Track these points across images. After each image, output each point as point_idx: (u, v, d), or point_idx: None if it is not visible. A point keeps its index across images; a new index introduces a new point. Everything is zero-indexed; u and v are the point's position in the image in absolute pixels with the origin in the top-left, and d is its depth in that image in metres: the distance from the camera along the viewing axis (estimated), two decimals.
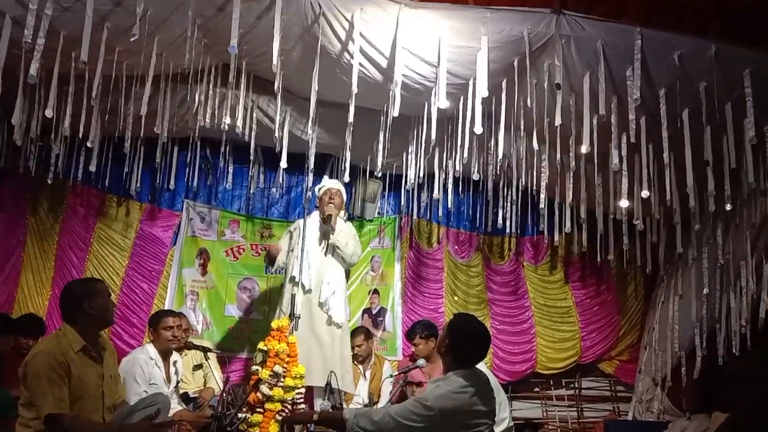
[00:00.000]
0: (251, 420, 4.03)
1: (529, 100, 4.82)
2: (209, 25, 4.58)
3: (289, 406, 4.11)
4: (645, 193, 4.84)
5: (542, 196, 5.31)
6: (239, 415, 3.94)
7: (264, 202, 6.98)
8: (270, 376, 4.08)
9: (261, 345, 4.32)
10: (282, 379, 4.11)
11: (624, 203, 4.83)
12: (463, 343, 2.97)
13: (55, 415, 2.95)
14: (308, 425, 3.76)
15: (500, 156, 5.27)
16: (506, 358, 7.01)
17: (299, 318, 4.56)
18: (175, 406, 4.39)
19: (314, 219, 5.15)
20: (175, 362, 4.61)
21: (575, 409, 7.14)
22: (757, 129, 4.50)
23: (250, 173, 6.75)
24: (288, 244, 5.14)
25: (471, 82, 4.71)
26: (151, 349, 4.47)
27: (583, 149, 4.68)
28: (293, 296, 4.66)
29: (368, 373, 5.60)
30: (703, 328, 6.02)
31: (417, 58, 4.78)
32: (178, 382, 4.63)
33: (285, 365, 4.14)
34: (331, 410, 3.71)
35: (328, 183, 5.31)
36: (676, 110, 4.70)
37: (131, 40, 3.97)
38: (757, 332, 5.42)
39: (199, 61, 4.92)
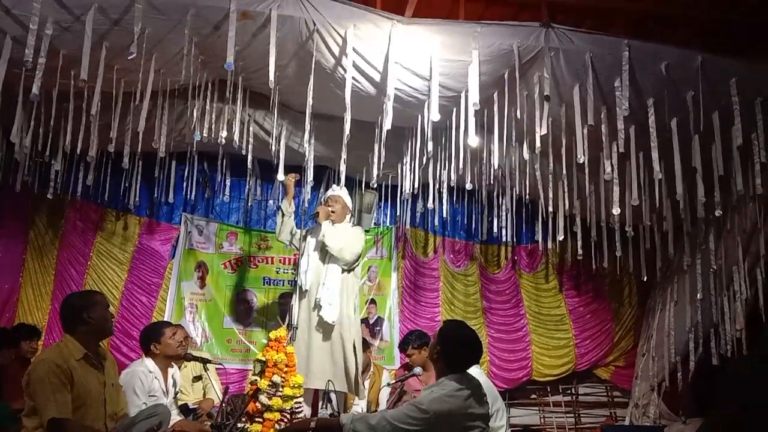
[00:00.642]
0: (250, 429, 4.07)
1: (519, 111, 4.90)
2: (206, 43, 4.66)
3: (288, 416, 4.16)
4: (635, 201, 4.91)
5: (538, 204, 5.40)
6: (238, 424, 3.99)
7: (261, 214, 7.05)
8: (269, 386, 4.13)
9: (259, 355, 4.38)
10: (280, 389, 4.16)
11: (616, 211, 4.90)
12: (454, 349, 3.04)
13: (58, 419, 3.00)
14: None
15: (495, 166, 5.36)
16: (502, 365, 7.09)
17: (297, 328, 4.62)
18: (175, 417, 4.43)
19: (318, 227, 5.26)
20: (172, 374, 4.66)
21: (572, 415, 7.19)
22: (744, 136, 4.60)
23: (248, 186, 6.83)
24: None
25: (463, 95, 4.79)
26: (149, 362, 4.49)
27: (580, 160, 4.75)
28: (291, 306, 4.73)
29: (367, 383, 5.65)
30: (698, 333, 6.09)
31: (409, 72, 4.86)
32: (176, 394, 4.68)
33: (283, 375, 4.19)
34: (328, 417, 3.77)
35: (330, 191, 5.43)
36: (665, 119, 4.79)
37: (129, 58, 4.05)
38: (752, 336, 5.49)
39: (196, 77, 4.99)
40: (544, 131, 4.56)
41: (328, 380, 4.41)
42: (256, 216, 7.04)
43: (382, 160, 5.40)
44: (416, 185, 6.04)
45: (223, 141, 5.32)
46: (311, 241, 5.13)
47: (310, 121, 4.69)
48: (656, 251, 6.36)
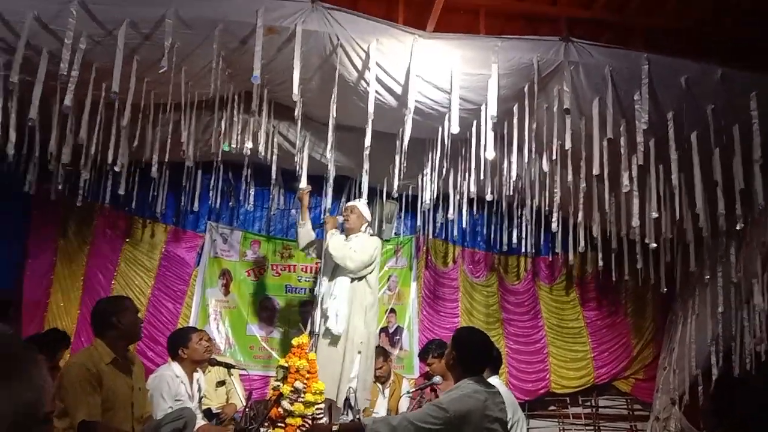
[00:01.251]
0: None
1: (538, 124, 4.95)
2: (233, 57, 4.80)
3: (310, 421, 4.23)
4: (654, 214, 4.93)
5: (555, 216, 5.43)
6: (261, 429, 4.07)
7: (284, 223, 7.14)
8: (291, 391, 4.21)
9: (282, 361, 4.47)
10: (302, 395, 4.24)
11: (635, 223, 4.92)
12: (468, 354, 3.15)
13: (88, 422, 3.11)
14: None
15: (513, 177, 5.41)
16: (520, 376, 7.09)
17: (317, 335, 4.72)
18: (199, 422, 4.53)
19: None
20: (197, 379, 4.76)
21: (592, 427, 7.15)
22: (764, 150, 4.60)
23: (271, 195, 6.93)
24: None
25: (483, 107, 4.86)
26: (176, 367, 4.60)
27: (596, 172, 4.78)
28: (312, 314, 4.82)
29: (387, 391, 5.72)
30: (719, 346, 6.05)
31: (430, 85, 4.95)
32: (200, 399, 4.78)
33: (305, 381, 4.27)
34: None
35: (350, 202, 5.58)
36: (684, 132, 4.81)
37: (159, 71, 4.20)
38: None
39: (223, 89, 5.13)
40: (568, 145, 4.61)
41: (349, 387, 4.48)
42: (279, 225, 7.14)
43: (403, 171, 5.47)
44: (436, 196, 6.11)
45: (249, 151, 5.44)
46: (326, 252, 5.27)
47: (333, 132, 4.80)
48: (676, 264, 6.34)
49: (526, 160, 5.30)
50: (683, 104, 4.73)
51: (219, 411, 5.19)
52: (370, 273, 5.22)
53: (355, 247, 5.15)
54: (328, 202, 5.63)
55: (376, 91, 4.83)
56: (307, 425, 4.20)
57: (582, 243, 5.85)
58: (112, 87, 4.20)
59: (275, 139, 5.91)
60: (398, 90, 5.02)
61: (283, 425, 4.19)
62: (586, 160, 5.16)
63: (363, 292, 5.15)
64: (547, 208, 6.07)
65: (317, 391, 4.30)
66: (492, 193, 5.83)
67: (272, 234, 7.11)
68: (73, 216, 6.52)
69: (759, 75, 4.63)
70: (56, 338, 5.37)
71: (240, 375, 5.60)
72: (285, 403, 4.21)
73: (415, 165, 6.04)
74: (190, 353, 4.46)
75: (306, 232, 5.42)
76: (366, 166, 4.89)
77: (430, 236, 7.29)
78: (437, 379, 4.49)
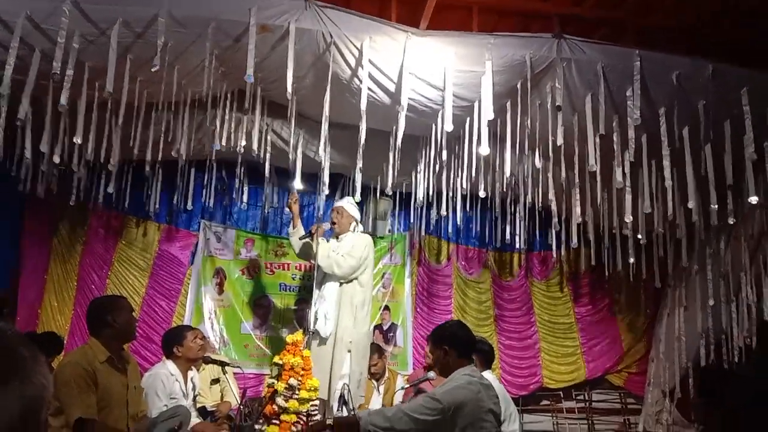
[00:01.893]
0: (267, 431, 4.17)
1: (531, 120, 4.97)
2: (226, 55, 4.79)
3: (304, 418, 4.25)
4: (647, 209, 4.96)
5: (550, 211, 5.47)
6: (256, 426, 4.09)
7: (278, 221, 7.16)
8: (285, 388, 4.23)
9: (276, 359, 4.48)
10: (297, 392, 4.26)
11: (628, 219, 4.95)
12: (455, 338, 3.20)
13: (84, 419, 3.11)
14: None
15: (507, 174, 5.43)
16: (513, 372, 7.13)
17: (313, 333, 4.74)
18: (193, 420, 4.53)
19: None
20: (192, 377, 4.76)
21: (586, 421, 7.21)
22: (756, 145, 4.63)
23: (265, 193, 6.94)
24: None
25: (476, 104, 4.88)
26: (171, 365, 4.60)
27: (591, 168, 4.81)
28: (307, 312, 4.84)
29: (381, 388, 5.74)
30: (709, 338, 6.10)
31: (424, 82, 4.96)
32: (195, 397, 4.78)
33: (300, 378, 4.29)
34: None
35: (335, 202, 5.62)
36: (676, 128, 4.84)
37: (152, 70, 4.18)
38: (760, 340, 5.52)
39: (216, 88, 5.12)
40: (560, 141, 4.63)
41: (344, 383, 4.50)
42: (273, 223, 7.15)
43: (397, 168, 5.49)
44: (430, 193, 6.12)
45: (242, 149, 5.44)
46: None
47: (326, 129, 4.81)
48: (667, 258, 6.39)
49: (519, 156, 5.32)
50: (675, 100, 4.76)
51: (213, 409, 5.19)
52: (362, 273, 5.26)
53: (344, 250, 5.19)
54: (322, 199, 5.64)
55: (370, 89, 4.83)
56: (301, 422, 4.22)
57: (575, 239, 5.87)
58: (107, 86, 4.18)
59: (269, 137, 5.91)
60: (392, 87, 5.03)
61: (277, 422, 4.21)
62: (579, 156, 5.19)
63: (352, 292, 5.18)
64: (540, 204, 6.10)
65: (312, 388, 4.32)
66: (485, 189, 5.86)
67: (266, 232, 7.10)
68: (66, 215, 6.51)
69: (750, 71, 4.66)
70: (52, 341, 5.33)
71: (234, 373, 5.61)
72: (280, 400, 4.22)
73: (409, 162, 6.06)
74: (184, 351, 4.46)
75: (299, 241, 5.45)
76: (360, 163, 4.91)
77: (424, 233, 7.32)
78: (431, 374, 4.50)
